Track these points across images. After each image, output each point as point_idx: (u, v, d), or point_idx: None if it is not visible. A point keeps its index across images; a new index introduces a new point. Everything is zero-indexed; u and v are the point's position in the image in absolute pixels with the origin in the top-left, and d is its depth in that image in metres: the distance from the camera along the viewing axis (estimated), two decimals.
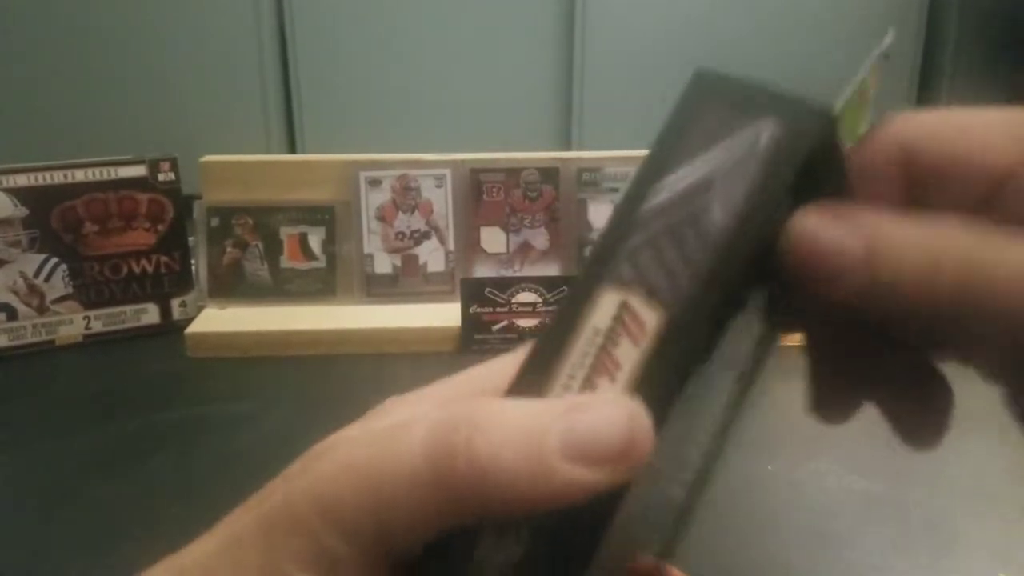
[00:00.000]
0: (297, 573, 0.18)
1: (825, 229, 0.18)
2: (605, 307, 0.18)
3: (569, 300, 0.18)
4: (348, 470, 0.18)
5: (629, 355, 0.17)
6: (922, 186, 0.19)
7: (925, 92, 1.64)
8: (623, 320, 0.17)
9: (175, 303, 0.82)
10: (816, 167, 0.18)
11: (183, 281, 0.82)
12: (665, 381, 0.17)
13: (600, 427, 0.16)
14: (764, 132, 0.17)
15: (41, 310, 0.77)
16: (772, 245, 0.18)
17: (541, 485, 0.16)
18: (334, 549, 0.18)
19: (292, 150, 1.61)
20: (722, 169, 0.18)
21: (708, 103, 0.19)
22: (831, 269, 0.18)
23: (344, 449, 0.19)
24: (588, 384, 0.17)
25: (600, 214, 0.84)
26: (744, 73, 0.18)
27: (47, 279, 0.77)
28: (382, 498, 0.17)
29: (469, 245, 0.84)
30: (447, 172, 0.83)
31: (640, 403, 0.17)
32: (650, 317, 0.17)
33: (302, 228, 0.82)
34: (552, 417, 0.17)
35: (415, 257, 0.83)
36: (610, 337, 0.17)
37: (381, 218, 0.83)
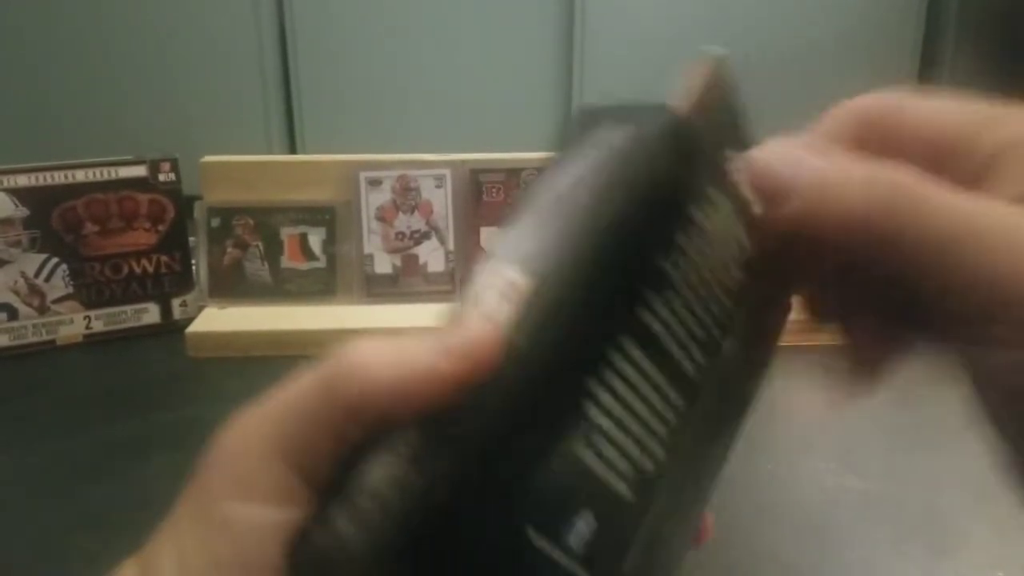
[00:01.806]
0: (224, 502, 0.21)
1: (780, 158, 0.21)
2: (488, 277, 0.20)
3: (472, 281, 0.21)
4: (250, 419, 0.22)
5: (503, 311, 0.20)
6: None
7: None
8: (501, 287, 0.20)
9: (176, 303, 0.82)
10: (678, 157, 0.21)
11: (183, 281, 0.82)
12: (537, 336, 0.19)
13: (458, 332, 0.19)
14: (620, 134, 0.21)
15: (42, 310, 0.77)
16: (658, 231, 0.21)
17: (410, 377, 0.19)
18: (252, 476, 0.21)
19: (292, 150, 1.61)
20: (590, 167, 0.21)
21: (584, 126, 0.23)
22: (782, 190, 0.21)
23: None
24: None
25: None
26: (622, 98, 0.22)
27: (48, 279, 0.77)
28: (285, 428, 0.21)
29: (469, 245, 0.84)
30: (447, 172, 0.83)
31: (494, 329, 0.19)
32: (523, 283, 0.20)
33: (302, 228, 0.82)
34: (424, 340, 0.20)
35: (415, 257, 0.84)
36: (488, 299, 0.20)
37: (381, 218, 0.83)
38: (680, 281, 0.21)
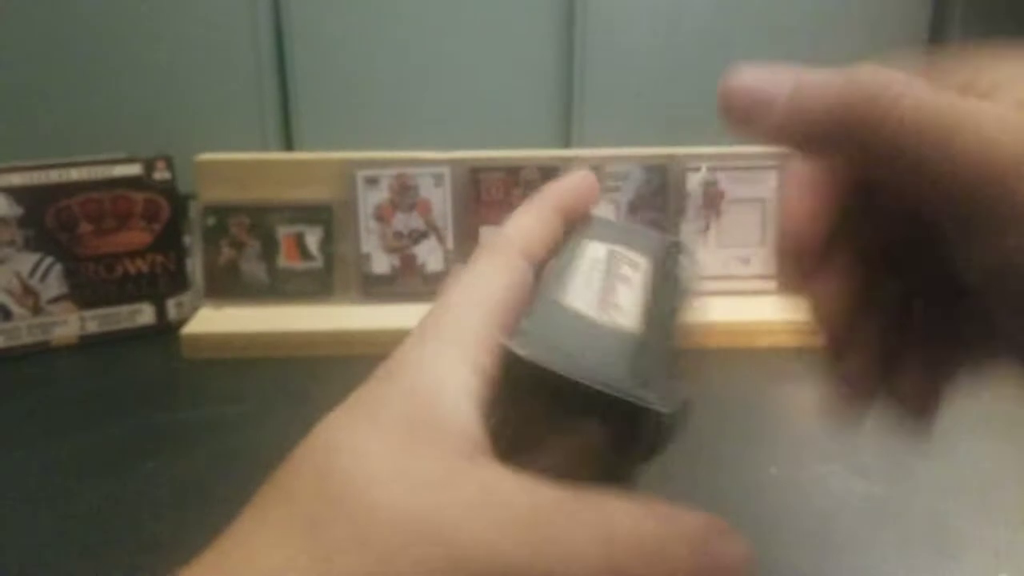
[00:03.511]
0: None
1: (758, 76, 0.22)
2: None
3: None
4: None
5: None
6: None
7: None
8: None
9: (171, 303, 0.81)
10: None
11: (179, 281, 0.81)
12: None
13: None
14: (594, 434, 0.22)
15: (36, 310, 0.76)
16: None
17: None
18: None
19: (289, 149, 1.61)
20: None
21: (535, 396, 0.23)
22: (764, 101, 0.21)
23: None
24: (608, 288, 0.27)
25: (600, 213, 0.83)
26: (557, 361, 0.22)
27: (42, 279, 0.76)
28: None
29: (468, 244, 0.83)
30: (446, 171, 0.82)
31: None
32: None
33: (299, 228, 0.82)
34: None
35: (413, 257, 0.83)
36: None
37: (379, 217, 0.82)
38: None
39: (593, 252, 0.29)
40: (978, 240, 0.20)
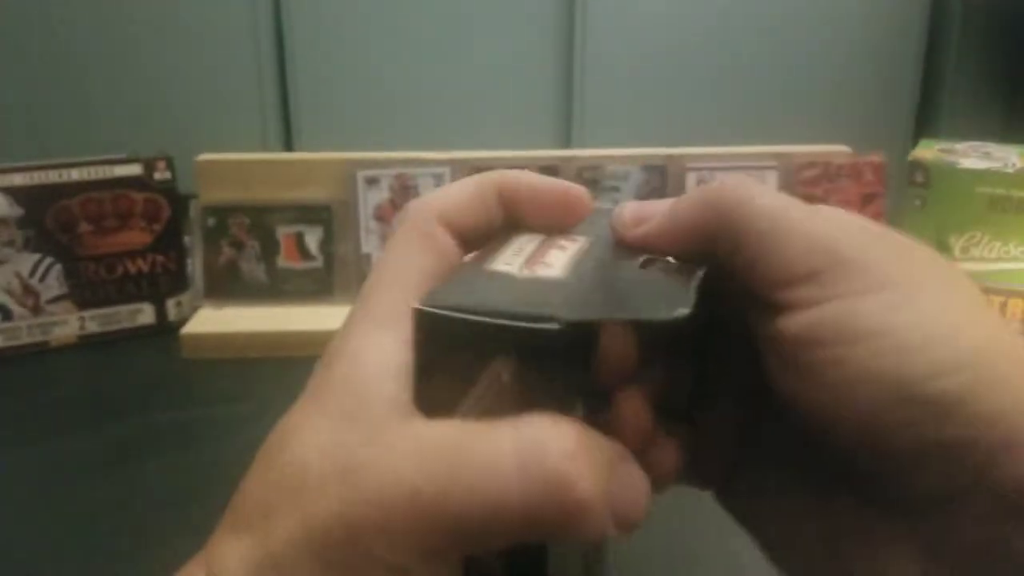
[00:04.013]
0: None
1: (639, 205, 0.28)
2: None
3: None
4: (415, 496, 0.20)
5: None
6: None
7: (928, 96, 1.64)
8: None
9: (170, 303, 0.81)
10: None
11: (179, 281, 0.81)
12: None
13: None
14: (504, 370, 0.23)
15: (36, 310, 0.76)
16: None
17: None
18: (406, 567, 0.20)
19: (289, 149, 1.61)
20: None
21: (444, 349, 0.23)
22: (644, 216, 0.27)
23: (392, 463, 0.21)
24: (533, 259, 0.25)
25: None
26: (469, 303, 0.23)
27: (42, 279, 0.76)
28: (463, 530, 0.20)
29: None
30: (446, 171, 0.82)
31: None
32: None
33: (299, 228, 0.82)
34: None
35: None
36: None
37: (379, 217, 0.82)
38: None
39: (531, 236, 0.28)
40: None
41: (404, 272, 0.25)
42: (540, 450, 0.20)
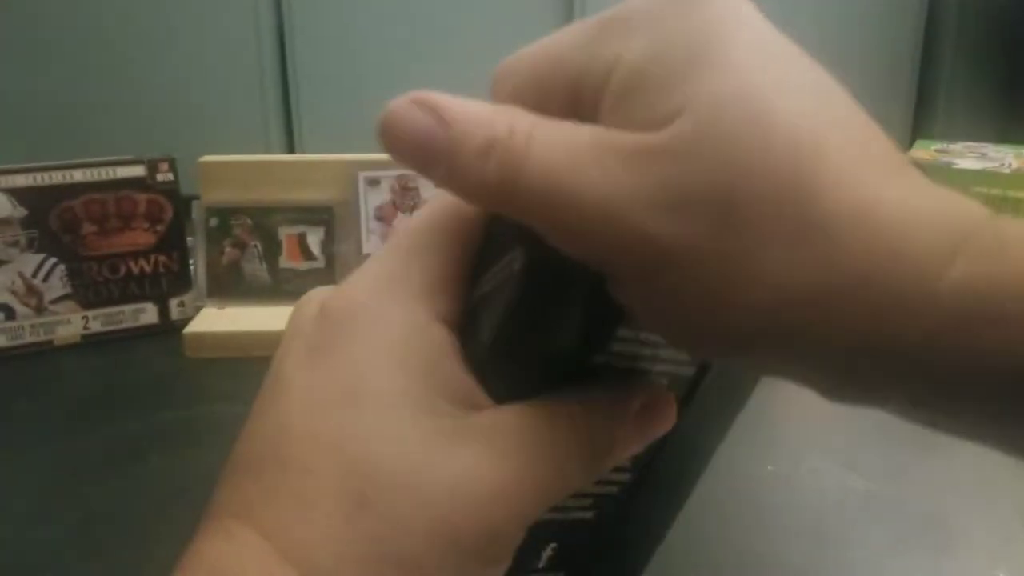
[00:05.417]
0: None
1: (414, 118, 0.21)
2: None
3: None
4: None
5: None
6: None
7: (924, 97, 1.64)
8: None
9: (173, 303, 0.82)
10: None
11: (181, 281, 0.82)
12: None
13: None
14: (517, 260, 0.22)
15: (39, 310, 0.76)
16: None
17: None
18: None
19: (291, 150, 1.61)
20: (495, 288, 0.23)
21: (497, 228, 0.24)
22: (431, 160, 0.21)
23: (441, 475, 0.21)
24: None
25: None
26: None
27: (45, 279, 0.77)
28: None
29: None
30: None
31: None
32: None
33: (301, 228, 0.82)
34: None
35: None
36: None
37: (380, 218, 0.83)
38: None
39: None
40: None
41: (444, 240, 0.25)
42: None
